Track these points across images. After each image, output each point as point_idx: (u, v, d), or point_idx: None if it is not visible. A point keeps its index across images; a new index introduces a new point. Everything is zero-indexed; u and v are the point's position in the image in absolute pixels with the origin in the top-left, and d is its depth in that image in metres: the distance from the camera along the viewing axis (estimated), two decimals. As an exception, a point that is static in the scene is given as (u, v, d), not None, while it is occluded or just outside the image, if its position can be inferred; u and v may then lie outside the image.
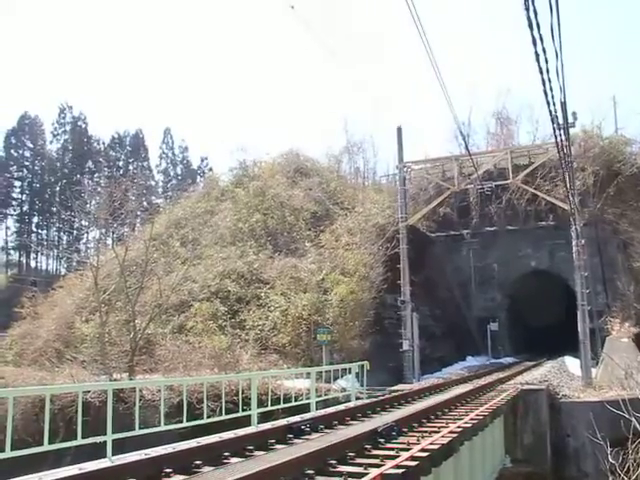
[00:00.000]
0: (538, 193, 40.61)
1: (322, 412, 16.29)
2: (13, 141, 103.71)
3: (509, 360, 44.61)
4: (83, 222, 69.28)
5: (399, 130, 38.20)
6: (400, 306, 36.37)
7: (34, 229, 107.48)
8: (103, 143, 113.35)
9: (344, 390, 24.11)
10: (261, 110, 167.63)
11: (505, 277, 49.09)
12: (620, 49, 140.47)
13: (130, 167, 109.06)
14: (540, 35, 9.75)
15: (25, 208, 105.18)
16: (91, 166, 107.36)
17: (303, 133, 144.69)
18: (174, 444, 11.18)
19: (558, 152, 24.51)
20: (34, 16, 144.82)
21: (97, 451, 10.52)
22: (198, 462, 9.26)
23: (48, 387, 17.66)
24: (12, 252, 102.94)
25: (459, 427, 12.51)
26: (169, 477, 8.59)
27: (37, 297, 45.98)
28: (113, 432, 10.71)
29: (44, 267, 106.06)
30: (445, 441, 10.93)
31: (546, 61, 10.94)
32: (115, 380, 30.03)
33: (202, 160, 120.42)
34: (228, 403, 14.62)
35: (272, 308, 36.95)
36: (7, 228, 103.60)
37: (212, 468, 9.19)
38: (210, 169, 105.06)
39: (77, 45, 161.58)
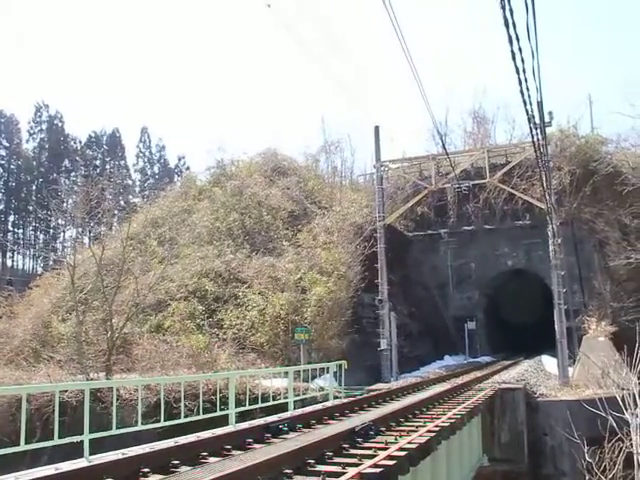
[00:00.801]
0: (515, 192, 40.81)
1: (300, 411, 16.31)
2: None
3: (486, 359, 44.78)
4: (60, 221, 69.17)
5: (376, 129, 38.26)
6: (378, 305, 36.45)
7: (10, 228, 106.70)
8: (80, 142, 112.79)
9: (322, 389, 24.18)
10: (239, 109, 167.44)
11: (482, 276, 49.26)
12: (596, 48, 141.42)
13: (107, 166, 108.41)
14: (516, 34, 9.81)
15: (1, 207, 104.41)
16: (68, 165, 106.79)
17: (281, 132, 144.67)
18: (152, 444, 11.15)
19: (535, 151, 24.65)
20: (13, 14, 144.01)
21: (74, 451, 10.47)
22: (176, 462, 9.24)
23: (24, 387, 17.57)
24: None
25: (437, 426, 12.55)
26: (146, 477, 8.56)
27: (13, 296, 45.74)
28: (90, 432, 10.66)
29: (20, 266, 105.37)
30: (423, 440, 10.97)
31: (522, 60, 11.00)
32: (92, 379, 29.91)
33: (179, 159, 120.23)
34: (206, 402, 14.56)
35: (250, 307, 36.94)
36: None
37: (190, 468, 9.17)
38: (187, 168, 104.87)
39: (53, 43, 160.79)
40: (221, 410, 14.52)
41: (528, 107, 14.05)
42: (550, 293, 32.52)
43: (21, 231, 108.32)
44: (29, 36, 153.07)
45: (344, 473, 8.24)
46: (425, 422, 13.48)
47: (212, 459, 9.84)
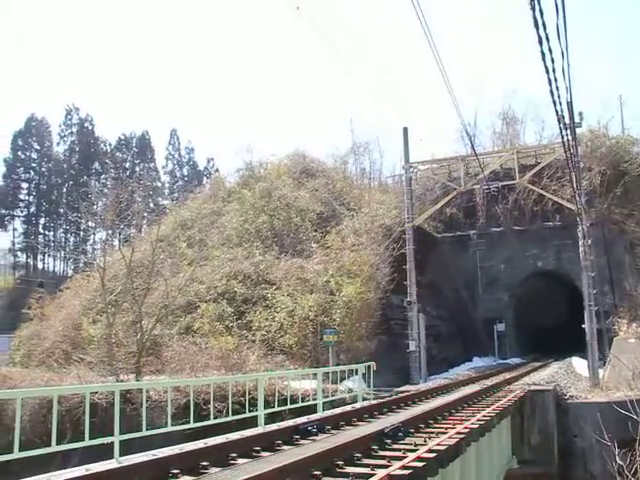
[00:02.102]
0: (545, 193, 40.50)
1: (329, 413, 16.31)
2: (20, 143, 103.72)
3: (516, 361, 44.55)
4: (90, 223, 69.47)
5: (405, 130, 38.17)
6: (406, 307, 36.35)
7: (41, 230, 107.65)
8: (110, 144, 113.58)
9: (351, 391, 24.12)
10: (267, 111, 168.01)
11: (512, 277, 49.05)
12: (627, 48, 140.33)
13: (136, 168, 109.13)
14: (546, 34, 9.75)
15: (32, 210, 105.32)
16: (98, 167, 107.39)
17: (309, 134, 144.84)
18: (181, 445, 11.20)
19: (565, 152, 24.53)
20: (41, 17, 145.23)
21: (104, 452, 10.54)
22: (205, 463, 9.27)
23: (56, 388, 17.72)
24: (19, 254, 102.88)
25: (466, 428, 12.51)
26: (176, 478, 8.59)
27: (44, 298, 46.09)
28: (120, 433, 10.73)
29: (51, 268, 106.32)
30: (452, 442, 10.93)
31: (552, 60, 10.93)
32: (122, 381, 30.06)
33: (208, 161, 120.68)
34: (235, 404, 14.59)
35: (279, 309, 36.92)
36: (14, 230, 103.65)
37: (219, 469, 9.20)
38: (216, 170, 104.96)
39: (84, 46, 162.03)
40: (250, 411, 14.57)
41: (558, 107, 13.96)
42: (580, 294, 32.33)
43: (52, 233, 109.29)
44: (58, 39, 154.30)
45: (373, 475, 8.23)
46: (454, 424, 13.44)
47: (241, 460, 9.86)
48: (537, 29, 9.46)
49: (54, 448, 9.71)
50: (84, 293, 44.10)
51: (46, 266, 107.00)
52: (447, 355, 42.17)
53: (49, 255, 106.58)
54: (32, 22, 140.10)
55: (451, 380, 29.87)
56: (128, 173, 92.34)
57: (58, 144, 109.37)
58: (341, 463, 9.20)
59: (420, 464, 9.08)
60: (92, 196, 49.56)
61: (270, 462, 9.28)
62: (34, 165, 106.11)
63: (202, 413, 15.18)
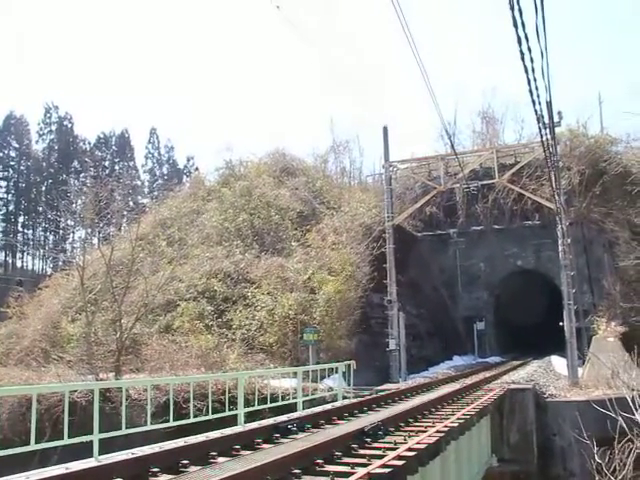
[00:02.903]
0: (524, 192, 40.67)
1: (309, 411, 16.28)
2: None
3: (495, 359, 44.77)
4: (69, 222, 69.28)
5: (385, 130, 38.20)
6: (387, 305, 36.40)
7: (20, 229, 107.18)
8: (89, 143, 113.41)
9: (331, 389, 24.17)
10: (247, 110, 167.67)
11: (491, 276, 49.26)
12: (606, 48, 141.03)
13: (116, 167, 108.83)
14: (525, 34, 9.77)
15: (11, 208, 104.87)
16: (77, 166, 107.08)
17: (290, 133, 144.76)
18: (161, 443, 11.15)
19: (544, 151, 24.63)
20: (19, 14, 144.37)
21: (84, 451, 10.48)
22: (185, 461, 9.23)
23: (35, 387, 17.60)
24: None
25: (446, 426, 12.52)
26: (156, 476, 8.55)
27: (23, 297, 45.80)
28: (100, 432, 10.67)
29: (30, 267, 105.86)
30: (432, 440, 10.94)
31: (531, 60, 10.95)
32: (101, 380, 29.93)
33: (188, 160, 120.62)
34: (215, 403, 14.55)
35: (259, 308, 36.91)
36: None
37: (199, 467, 9.15)
38: (196, 169, 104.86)
39: (63, 45, 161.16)
40: (230, 410, 14.53)
41: (537, 107, 13.98)
42: (559, 293, 32.46)
43: (31, 232, 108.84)
44: (36, 37, 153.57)
45: (353, 473, 8.23)
46: (434, 422, 13.46)
47: (221, 459, 9.83)
48: (516, 29, 9.49)
49: (33, 447, 9.66)
50: (63, 292, 43.90)
51: (25, 264, 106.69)
52: (427, 354, 42.29)
53: (28, 253, 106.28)
54: (12, 17, 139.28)
55: (431, 379, 29.92)
56: (107, 172, 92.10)
57: (37, 142, 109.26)
58: (321, 461, 9.18)
59: (400, 462, 9.09)
60: (71, 194, 49.39)
61: (250, 460, 9.25)
62: (13, 163, 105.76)
63: (182, 412, 15.13)
